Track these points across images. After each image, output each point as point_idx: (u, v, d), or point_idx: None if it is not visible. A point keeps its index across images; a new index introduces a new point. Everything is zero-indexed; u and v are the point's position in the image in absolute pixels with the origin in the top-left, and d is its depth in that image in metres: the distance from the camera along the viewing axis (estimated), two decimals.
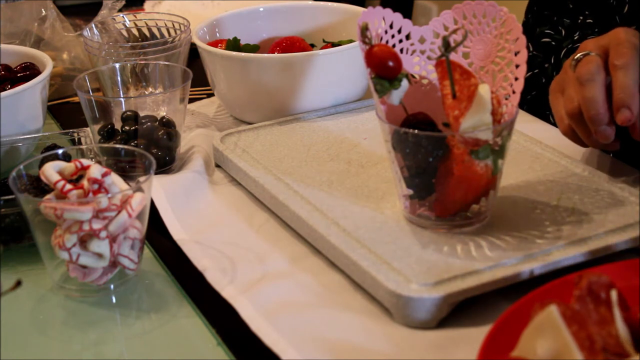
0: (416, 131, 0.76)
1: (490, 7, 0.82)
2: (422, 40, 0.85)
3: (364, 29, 0.80)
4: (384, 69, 0.79)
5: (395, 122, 0.80)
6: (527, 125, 1.02)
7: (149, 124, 0.97)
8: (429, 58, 0.85)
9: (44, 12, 1.25)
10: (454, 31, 0.80)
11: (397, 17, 0.83)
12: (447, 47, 0.77)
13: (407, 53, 0.85)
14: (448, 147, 0.76)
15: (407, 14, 0.84)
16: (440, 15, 0.84)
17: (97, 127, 0.97)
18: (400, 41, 0.84)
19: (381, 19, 0.82)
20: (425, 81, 0.86)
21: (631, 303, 0.65)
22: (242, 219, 0.89)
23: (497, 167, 0.78)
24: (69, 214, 0.74)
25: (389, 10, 0.82)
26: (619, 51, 0.83)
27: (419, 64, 0.86)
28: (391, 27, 0.83)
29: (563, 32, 1.12)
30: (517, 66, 0.79)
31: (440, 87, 0.78)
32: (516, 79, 0.79)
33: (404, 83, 0.80)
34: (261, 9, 1.20)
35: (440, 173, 0.78)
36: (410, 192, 0.80)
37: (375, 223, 0.81)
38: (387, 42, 0.83)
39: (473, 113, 0.75)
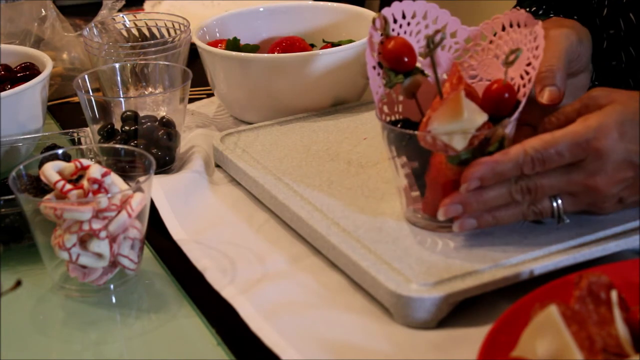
0: (411, 131, 0.76)
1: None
2: (468, 41, 0.85)
3: (384, 20, 0.80)
4: (399, 63, 0.80)
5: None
6: None
7: (148, 124, 0.97)
8: (470, 57, 0.85)
9: (44, 12, 1.25)
10: (438, 31, 0.79)
11: (432, 8, 0.84)
12: (430, 45, 0.77)
13: (448, 50, 0.85)
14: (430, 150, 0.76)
15: None
16: (492, 19, 0.84)
17: (97, 127, 0.97)
18: (426, 27, 0.84)
19: (412, 11, 0.83)
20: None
21: (631, 303, 0.65)
22: (242, 219, 0.89)
23: None
24: (69, 214, 0.74)
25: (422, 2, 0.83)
26: None
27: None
28: (424, 18, 0.83)
29: None
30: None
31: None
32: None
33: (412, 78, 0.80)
34: (261, 9, 1.20)
35: (426, 174, 0.78)
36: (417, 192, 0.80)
37: (375, 223, 0.81)
38: (418, 32, 0.84)
39: (450, 119, 0.74)
